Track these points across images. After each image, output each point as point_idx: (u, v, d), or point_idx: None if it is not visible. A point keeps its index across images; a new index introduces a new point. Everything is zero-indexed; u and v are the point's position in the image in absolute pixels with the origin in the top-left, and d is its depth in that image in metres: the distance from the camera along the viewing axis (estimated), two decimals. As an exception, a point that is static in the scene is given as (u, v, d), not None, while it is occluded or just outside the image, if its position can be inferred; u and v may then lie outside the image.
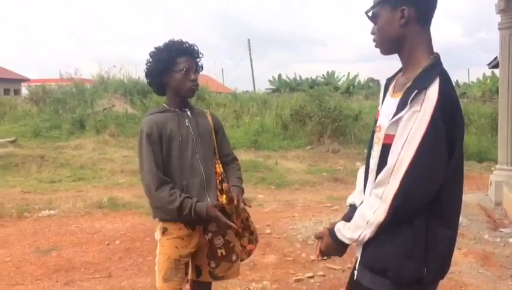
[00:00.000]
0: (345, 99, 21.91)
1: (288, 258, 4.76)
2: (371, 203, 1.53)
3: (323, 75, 37.12)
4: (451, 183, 1.50)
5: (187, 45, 2.45)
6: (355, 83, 36.36)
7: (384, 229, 1.50)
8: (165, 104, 2.48)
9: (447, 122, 1.44)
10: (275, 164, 11.18)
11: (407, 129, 1.45)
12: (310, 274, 4.24)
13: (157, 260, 2.40)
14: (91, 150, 11.71)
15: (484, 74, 28.65)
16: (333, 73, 37.18)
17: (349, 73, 36.61)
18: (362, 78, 38.12)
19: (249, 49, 38.72)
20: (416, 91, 1.45)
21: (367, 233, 1.53)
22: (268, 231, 5.68)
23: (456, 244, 4.59)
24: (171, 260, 2.34)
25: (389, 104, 1.61)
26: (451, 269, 3.87)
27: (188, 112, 2.47)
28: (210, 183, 2.41)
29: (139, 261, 4.70)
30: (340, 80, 36.63)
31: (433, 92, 1.44)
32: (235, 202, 2.39)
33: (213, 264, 2.48)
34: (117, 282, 4.19)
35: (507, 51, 6.32)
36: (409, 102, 1.45)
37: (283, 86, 34.61)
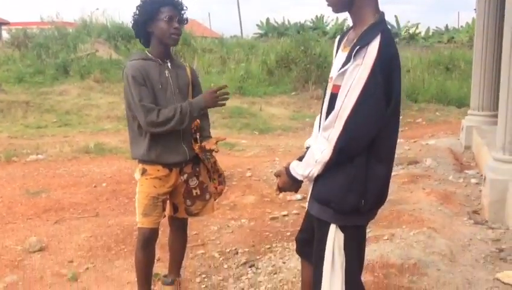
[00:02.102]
0: (332, 44, 21.82)
1: (266, 199, 5.06)
2: (319, 145, 1.76)
3: (312, 19, 36.54)
4: (387, 128, 1.73)
5: None
6: (344, 28, 35.97)
7: (330, 167, 1.74)
8: (147, 53, 2.60)
9: (385, 74, 1.64)
10: (259, 110, 11.38)
11: (350, 80, 1.66)
12: (285, 213, 4.56)
13: (137, 198, 2.63)
14: (76, 96, 11.75)
15: (473, 19, 28.47)
16: (322, 17, 36.63)
17: (337, 18, 36.04)
18: (351, 23, 37.58)
19: (236, -9, 37.73)
20: (358, 47, 1.64)
21: (315, 170, 1.77)
22: (249, 174, 5.97)
23: (422, 184, 4.93)
24: (150, 197, 2.57)
25: (339, 58, 1.81)
26: (413, 206, 4.24)
27: (169, 64, 2.60)
28: (185, 132, 2.61)
29: (125, 202, 4.98)
30: (328, 24, 36.18)
31: (373, 48, 1.64)
32: (207, 147, 2.61)
33: (189, 202, 2.72)
34: (104, 221, 4.47)
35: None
36: (352, 56, 1.65)
37: (271, 31, 34.06)
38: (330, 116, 1.72)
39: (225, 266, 3.50)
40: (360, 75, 1.64)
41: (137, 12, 2.56)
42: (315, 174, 1.78)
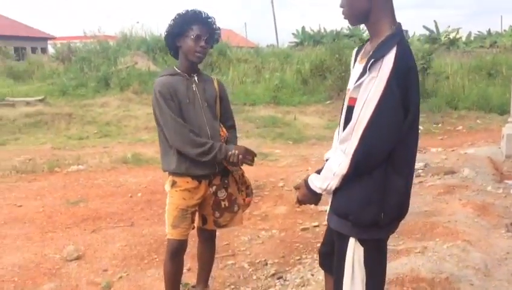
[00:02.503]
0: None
1: (297, 209, 5.05)
2: (337, 157, 1.76)
3: (348, 27, 36.29)
4: (405, 139, 1.71)
5: (204, 15, 2.64)
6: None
7: (348, 180, 1.74)
8: (175, 68, 2.68)
9: (401, 86, 1.64)
10: (293, 120, 11.38)
11: (366, 92, 1.66)
12: (316, 223, 4.53)
13: (167, 209, 2.70)
14: (116, 108, 12.12)
15: (517, 22, 27.52)
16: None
17: (374, 24, 35.69)
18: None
19: (272, 1, 38.03)
20: (373, 59, 1.64)
21: (333, 183, 1.77)
22: (281, 184, 5.97)
23: (458, 195, 4.80)
24: (179, 209, 2.63)
25: (356, 70, 1.81)
26: (448, 217, 4.12)
27: (196, 78, 2.67)
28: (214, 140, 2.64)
29: (159, 212, 5.08)
30: (365, 31, 35.81)
31: (389, 60, 1.63)
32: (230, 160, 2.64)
33: (217, 214, 2.77)
34: (139, 230, 4.58)
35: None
36: (367, 69, 1.65)
37: (307, 39, 34.08)
38: (347, 129, 1.72)
39: (254, 277, 3.51)
40: (376, 88, 1.63)
41: (170, 24, 2.64)
42: (333, 187, 1.78)
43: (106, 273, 3.68)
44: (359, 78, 1.71)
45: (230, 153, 2.56)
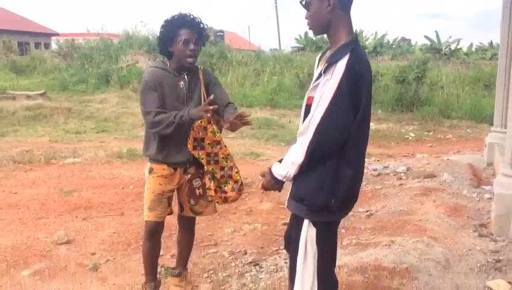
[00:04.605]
0: (371, 59, 21.80)
1: (281, 206, 5.25)
2: (295, 148, 1.99)
3: (350, 33, 36.51)
4: (356, 135, 1.94)
5: (190, 17, 2.76)
6: (383, 43, 35.83)
7: (304, 168, 1.96)
8: (167, 63, 2.80)
9: (351, 88, 1.87)
10: (288, 122, 11.60)
11: (320, 93, 1.90)
12: (297, 219, 4.74)
13: (145, 194, 2.89)
14: (115, 104, 12.36)
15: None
16: (361, 32, 36.64)
17: (376, 32, 36.03)
18: (391, 38, 37.46)
19: (276, 5, 38.37)
20: (327, 64, 1.88)
21: (292, 171, 2.00)
22: (269, 182, 6.18)
23: (434, 197, 5.03)
24: (155, 193, 2.83)
25: (316, 73, 2.04)
26: (420, 217, 4.35)
27: (185, 76, 2.81)
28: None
29: (149, 204, 5.30)
30: (368, 39, 36.11)
31: (341, 65, 1.87)
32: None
33: (192, 202, 2.96)
34: (128, 219, 4.80)
35: (508, 10, 6.15)
36: (322, 72, 1.89)
37: (309, 44, 34.32)
38: (304, 124, 1.95)
39: (232, 265, 3.73)
40: (329, 89, 1.87)
41: (160, 31, 2.80)
42: (292, 175, 2.00)
43: (94, 257, 3.90)
44: (316, 80, 1.95)
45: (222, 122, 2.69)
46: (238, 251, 4.02)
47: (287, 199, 2.14)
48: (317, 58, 2.16)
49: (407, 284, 2.94)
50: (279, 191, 2.19)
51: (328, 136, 1.89)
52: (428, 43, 31.52)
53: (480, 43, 33.29)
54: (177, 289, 3.14)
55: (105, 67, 15.24)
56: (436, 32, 31.04)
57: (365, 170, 6.79)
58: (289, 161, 2.00)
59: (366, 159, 7.64)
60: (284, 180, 2.07)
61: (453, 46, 30.83)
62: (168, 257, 3.85)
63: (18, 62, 18.39)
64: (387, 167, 6.42)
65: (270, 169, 2.12)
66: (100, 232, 4.45)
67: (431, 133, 11.33)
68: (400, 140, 10.57)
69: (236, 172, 2.88)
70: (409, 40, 41.32)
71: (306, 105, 2.02)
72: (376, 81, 15.04)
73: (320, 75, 1.93)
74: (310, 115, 1.92)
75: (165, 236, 4.02)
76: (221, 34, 31.70)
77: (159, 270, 3.51)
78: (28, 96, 12.34)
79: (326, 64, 1.90)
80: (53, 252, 3.98)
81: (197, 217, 3.16)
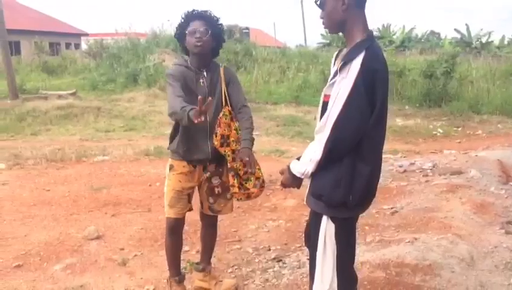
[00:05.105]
0: (399, 53, 21.52)
1: (305, 203, 5.30)
2: (313, 146, 2.03)
3: (378, 28, 36.13)
4: (372, 132, 1.96)
5: (197, 11, 2.83)
6: (412, 37, 35.27)
7: (322, 166, 2.00)
8: (188, 61, 2.88)
9: (367, 86, 1.89)
10: (313, 119, 11.57)
11: (336, 91, 1.93)
12: (321, 216, 4.77)
13: (165, 191, 2.98)
14: (142, 103, 12.59)
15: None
16: (389, 26, 36.17)
17: (404, 26, 35.46)
18: (420, 32, 36.82)
19: (301, 1, 38.19)
20: (343, 62, 1.91)
21: (310, 168, 2.04)
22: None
23: (460, 194, 4.97)
24: (175, 191, 2.91)
25: (332, 71, 2.07)
26: (445, 214, 4.32)
27: (205, 73, 2.87)
28: (212, 131, 2.87)
29: (175, 200, 5.41)
30: (395, 33, 35.61)
31: (357, 63, 1.90)
32: (244, 164, 2.81)
33: (211, 200, 3.02)
34: (155, 216, 4.92)
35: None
36: (338, 70, 1.92)
37: (335, 40, 34.06)
38: (321, 122, 1.99)
39: (256, 260, 3.79)
40: (345, 87, 1.90)
41: (175, 32, 2.91)
42: (310, 172, 2.04)
43: (122, 252, 4.02)
44: (332, 78, 1.98)
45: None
46: (262, 247, 4.08)
47: (306, 195, 2.18)
48: (334, 56, 2.19)
49: (430, 281, 2.93)
50: (298, 188, 2.24)
51: (344, 133, 1.92)
52: (458, 36, 30.86)
53: (513, 36, 32.36)
54: (202, 283, 3.22)
55: (133, 66, 15.53)
56: (466, 25, 30.38)
57: (391, 167, 6.77)
58: (307, 158, 2.04)
59: (391, 156, 7.60)
60: (302, 177, 2.11)
61: (484, 39, 30.10)
62: (193, 252, 3.94)
63: (50, 63, 18.96)
64: (413, 163, 6.36)
65: (288, 166, 2.17)
66: (128, 228, 4.58)
67: (460, 129, 11.11)
68: (427, 136, 10.41)
69: (258, 169, 2.93)
70: (438, 34, 40.57)
71: (323, 103, 2.05)
72: (403, 76, 14.84)
73: (336, 73, 1.96)
74: (326, 113, 1.96)
75: (190, 232, 4.14)
76: (247, 31, 31.75)
77: (184, 265, 3.62)
78: (60, 96, 12.71)
79: (342, 63, 1.93)
80: (84, 247, 4.12)
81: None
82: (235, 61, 17.33)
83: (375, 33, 35.01)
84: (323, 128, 1.97)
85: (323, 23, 2.08)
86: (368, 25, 2.03)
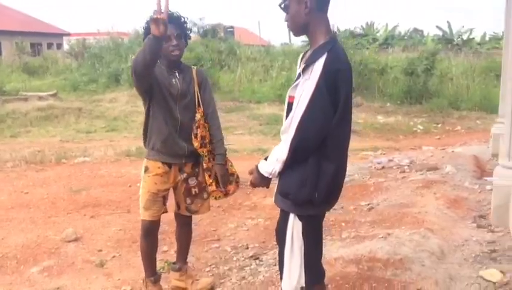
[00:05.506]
0: (382, 51, 21.71)
1: (274, 202, 5.34)
2: (279, 146, 2.07)
3: (361, 26, 36.36)
4: (336, 131, 2.01)
5: (170, 13, 2.70)
6: (395, 34, 35.56)
7: (288, 165, 2.05)
8: (159, 62, 2.82)
9: (329, 87, 1.94)
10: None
11: (300, 92, 1.98)
12: (300, 214, 4.82)
13: (140, 193, 2.98)
14: (124, 103, 12.54)
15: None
16: (372, 24, 36.42)
17: (387, 24, 35.74)
18: (403, 29, 37.16)
19: None
20: (304, 65, 1.96)
21: (276, 168, 2.08)
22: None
23: (435, 189, 5.06)
24: (150, 193, 2.91)
25: (297, 73, 2.12)
26: (419, 209, 4.39)
27: (177, 73, 2.89)
28: (183, 128, 2.89)
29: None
30: (379, 31, 35.86)
31: (319, 65, 1.94)
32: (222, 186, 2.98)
33: (188, 201, 3.04)
34: (134, 217, 4.90)
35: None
36: (301, 72, 1.97)
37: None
38: (286, 122, 2.03)
39: (234, 259, 3.82)
40: (308, 88, 1.94)
41: (143, 33, 2.84)
42: (277, 171, 2.09)
43: (100, 253, 4.03)
44: (296, 80, 2.03)
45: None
46: (240, 245, 4.11)
47: (274, 194, 2.22)
48: (300, 57, 2.23)
49: (400, 275, 3.00)
50: (267, 187, 2.27)
51: (308, 133, 1.97)
52: (440, 33, 31.21)
53: (494, 32, 32.80)
54: (178, 283, 3.25)
55: (115, 66, 15.46)
56: (448, 22, 30.71)
57: (370, 164, 6.83)
58: (274, 158, 2.08)
59: (372, 153, 7.68)
60: (270, 176, 2.15)
61: (465, 36, 30.45)
62: (172, 252, 3.95)
63: (31, 63, 18.75)
64: (391, 160, 6.46)
65: (256, 166, 2.20)
66: (107, 229, 4.58)
67: (439, 125, 11.29)
68: (408, 133, 10.56)
69: (231, 165, 3.05)
70: (422, 31, 40.93)
71: (288, 103, 2.10)
72: (385, 74, 15.04)
73: (299, 75, 2.01)
74: (291, 114, 2.00)
75: (169, 232, 4.16)
76: (232, 30, 31.72)
77: (162, 265, 3.65)
78: (40, 97, 12.59)
79: (304, 65, 1.97)
80: (61, 249, 4.11)
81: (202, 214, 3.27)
82: (219, 60, 17.34)
83: (358, 31, 35.15)
84: (288, 129, 2.01)
85: (288, 26, 2.12)
86: (330, 28, 2.08)
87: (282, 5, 2.10)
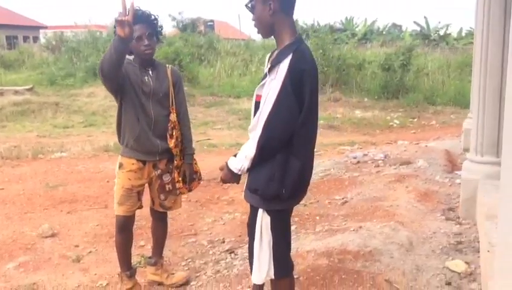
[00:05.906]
0: (361, 46, 21.93)
1: (243, 197, 5.41)
2: (248, 143, 2.14)
3: (341, 21, 36.59)
4: (303, 128, 2.09)
5: (139, 13, 2.79)
6: (374, 29, 35.89)
7: (256, 162, 2.12)
8: (132, 60, 2.89)
9: (295, 86, 2.02)
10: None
11: (267, 91, 2.05)
12: (275, 207, 4.91)
13: (115, 189, 3.03)
14: (103, 98, 12.42)
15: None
16: (351, 19, 36.67)
17: (366, 19, 36.06)
18: (382, 24, 37.56)
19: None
20: (270, 65, 2.03)
21: (245, 165, 2.15)
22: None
23: (407, 183, 5.18)
24: (124, 189, 2.96)
25: (264, 72, 2.19)
26: (390, 203, 4.51)
27: (150, 71, 2.92)
28: (156, 126, 2.93)
29: (133, 196, 5.44)
30: (358, 26, 36.15)
31: (284, 65, 2.02)
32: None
33: (162, 197, 3.11)
34: (111, 212, 4.84)
35: None
36: (267, 72, 2.04)
37: (300, 33, 34.15)
38: (253, 120, 2.11)
39: (210, 253, 3.89)
40: (274, 88, 2.02)
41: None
42: (246, 168, 2.16)
43: (77, 249, 4.05)
44: (263, 79, 2.10)
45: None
46: (216, 239, 4.18)
47: (244, 190, 2.29)
48: (267, 57, 2.30)
49: (370, 266, 3.11)
50: (237, 183, 2.34)
51: (275, 132, 2.04)
52: (418, 29, 31.62)
53: (471, 27, 33.35)
54: (154, 277, 3.31)
55: (93, 60, 15.25)
56: (425, 17, 31.13)
57: (345, 159, 6.94)
58: (243, 155, 2.15)
59: (349, 147, 7.78)
60: (239, 173, 2.22)
61: (442, 32, 30.93)
62: (148, 247, 3.99)
63: (6, 57, 18.39)
64: (366, 154, 6.58)
65: (226, 163, 2.27)
66: (84, 225, 4.59)
67: (415, 120, 11.52)
68: (384, 127, 10.75)
69: (195, 163, 3.19)
70: (400, 26, 41.38)
71: (255, 102, 2.17)
72: (363, 69, 15.22)
73: (266, 75, 2.08)
74: (258, 113, 2.07)
75: (146, 227, 4.19)
76: (212, 23, 31.55)
77: (139, 259, 3.70)
78: (16, 92, 12.41)
79: (270, 66, 2.04)
80: (38, 245, 4.12)
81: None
82: (198, 55, 17.30)
83: (338, 25, 35.25)
84: (255, 127, 2.08)
85: (255, 26, 2.19)
86: (295, 28, 2.15)
87: (249, 5, 2.16)
